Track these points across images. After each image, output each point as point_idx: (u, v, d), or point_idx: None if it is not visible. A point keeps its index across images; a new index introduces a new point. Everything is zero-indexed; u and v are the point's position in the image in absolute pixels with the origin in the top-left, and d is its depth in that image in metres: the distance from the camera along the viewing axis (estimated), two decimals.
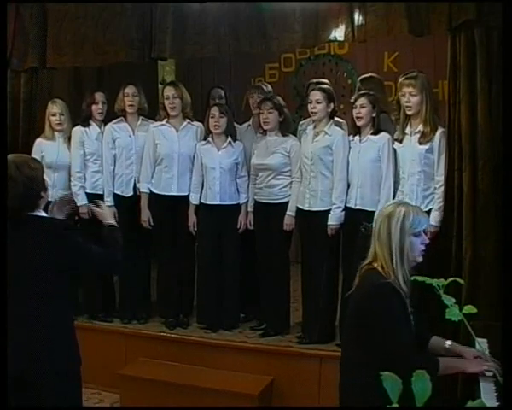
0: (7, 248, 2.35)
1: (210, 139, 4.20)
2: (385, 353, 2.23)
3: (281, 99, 4.16)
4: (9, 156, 2.47)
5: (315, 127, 3.94)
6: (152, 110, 4.53)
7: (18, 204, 2.37)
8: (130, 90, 4.33)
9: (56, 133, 4.40)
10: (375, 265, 2.36)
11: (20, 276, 2.37)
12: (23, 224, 2.40)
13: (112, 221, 2.71)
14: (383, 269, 2.32)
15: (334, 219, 3.81)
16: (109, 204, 4.32)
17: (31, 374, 2.35)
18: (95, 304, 4.43)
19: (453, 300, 1.22)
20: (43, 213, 2.48)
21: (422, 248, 2.36)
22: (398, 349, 2.23)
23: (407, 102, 3.55)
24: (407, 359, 2.21)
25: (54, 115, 4.37)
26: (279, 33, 3.85)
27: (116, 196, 4.35)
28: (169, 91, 4.23)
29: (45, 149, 4.33)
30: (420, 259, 2.36)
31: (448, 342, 2.50)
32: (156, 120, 4.39)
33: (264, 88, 4.55)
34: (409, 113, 3.58)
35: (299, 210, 3.96)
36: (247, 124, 4.51)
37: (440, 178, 3.51)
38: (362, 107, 3.73)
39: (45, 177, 2.52)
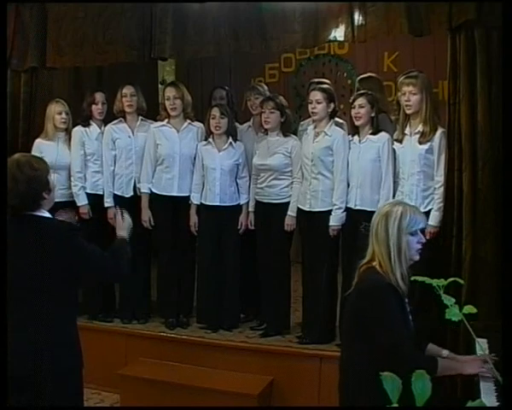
0: (8, 249, 2.34)
1: (211, 140, 4.20)
2: (383, 352, 2.24)
3: (283, 99, 4.16)
4: (15, 155, 2.45)
5: (315, 128, 3.94)
6: (152, 110, 4.53)
7: (18, 203, 2.37)
8: (127, 90, 4.33)
9: (56, 133, 4.39)
10: (374, 264, 2.38)
11: (22, 276, 2.35)
12: (25, 223, 2.39)
13: (125, 235, 2.69)
14: (381, 267, 2.34)
15: (335, 220, 3.81)
16: (109, 205, 4.34)
17: (33, 375, 2.33)
18: (95, 304, 4.43)
19: (453, 300, 1.22)
20: (47, 214, 2.46)
21: (419, 247, 2.38)
22: (397, 348, 2.24)
23: (407, 100, 3.55)
24: (406, 358, 2.22)
25: (60, 114, 4.36)
26: (279, 33, 3.85)
27: (116, 197, 4.35)
28: (170, 92, 4.22)
29: (45, 149, 4.31)
30: (417, 258, 2.38)
31: (445, 352, 2.52)
32: (157, 121, 4.39)
33: (260, 89, 4.54)
34: (408, 112, 3.58)
35: (299, 211, 3.96)
36: (247, 124, 4.51)
37: (440, 178, 3.51)
38: (360, 107, 3.73)
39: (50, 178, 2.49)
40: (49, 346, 2.35)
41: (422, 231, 2.42)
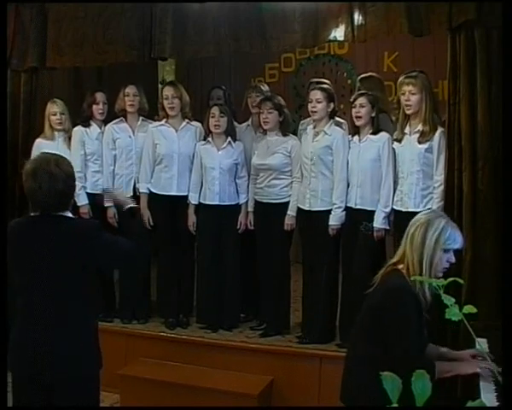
0: (33, 249, 2.30)
1: (210, 139, 4.19)
2: (391, 351, 2.24)
3: (281, 99, 4.17)
4: (45, 154, 2.40)
5: (315, 127, 3.94)
6: (152, 110, 4.53)
7: (56, 201, 2.29)
8: (130, 90, 4.33)
9: (56, 133, 4.39)
10: (401, 266, 2.38)
11: (43, 276, 2.29)
12: (52, 223, 2.32)
13: (131, 204, 2.65)
14: (408, 272, 2.33)
15: (335, 220, 3.81)
16: (108, 204, 4.34)
17: (48, 375, 2.29)
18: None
19: (453, 300, 1.22)
20: (70, 214, 2.41)
21: (447, 266, 2.36)
22: (404, 349, 2.24)
23: (406, 100, 3.56)
24: (407, 358, 2.21)
25: (54, 115, 4.37)
26: (279, 33, 3.85)
27: None
28: (168, 91, 4.23)
29: (45, 148, 4.29)
30: (440, 275, 2.34)
31: (443, 349, 2.53)
32: (155, 120, 4.40)
33: (263, 88, 4.56)
34: (408, 112, 3.58)
35: (299, 210, 3.96)
36: (246, 123, 4.51)
37: (439, 177, 3.51)
38: (361, 106, 3.73)
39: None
40: (66, 347, 2.30)
41: (455, 251, 2.39)
